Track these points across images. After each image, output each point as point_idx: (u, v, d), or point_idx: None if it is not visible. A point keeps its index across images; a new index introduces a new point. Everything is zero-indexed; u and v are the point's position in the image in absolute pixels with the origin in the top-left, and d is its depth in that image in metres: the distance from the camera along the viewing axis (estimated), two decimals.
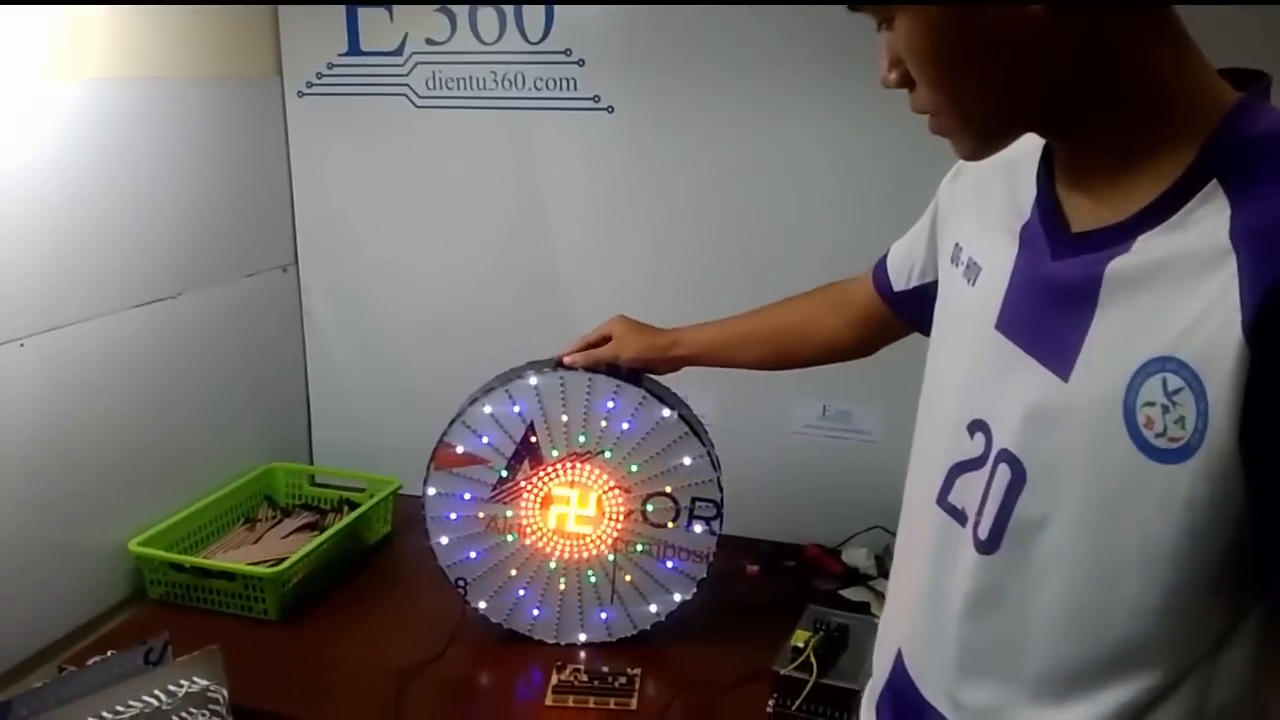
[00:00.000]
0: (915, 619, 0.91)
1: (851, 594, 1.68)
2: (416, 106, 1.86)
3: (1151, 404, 0.67)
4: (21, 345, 1.45)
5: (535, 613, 1.57)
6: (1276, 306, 0.61)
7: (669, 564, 1.54)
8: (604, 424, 1.50)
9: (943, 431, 0.86)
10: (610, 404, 1.49)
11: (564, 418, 1.51)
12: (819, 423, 1.79)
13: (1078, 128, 0.74)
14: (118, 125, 1.59)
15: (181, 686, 1.27)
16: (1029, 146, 0.81)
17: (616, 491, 1.53)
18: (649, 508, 1.53)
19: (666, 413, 1.48)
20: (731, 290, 1.70)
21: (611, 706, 1.40)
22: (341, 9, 1.84)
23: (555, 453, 1.52)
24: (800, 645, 1.42)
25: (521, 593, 1.56)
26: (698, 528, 1.52)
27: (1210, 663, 0.72)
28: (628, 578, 1.55)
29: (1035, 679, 0.79)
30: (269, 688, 1.43)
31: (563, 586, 1.56)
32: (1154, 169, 0.69)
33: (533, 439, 1.51)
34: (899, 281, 1.13)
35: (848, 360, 1.34)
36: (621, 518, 1.54)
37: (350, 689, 1.47)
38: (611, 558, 1.55)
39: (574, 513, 1.55)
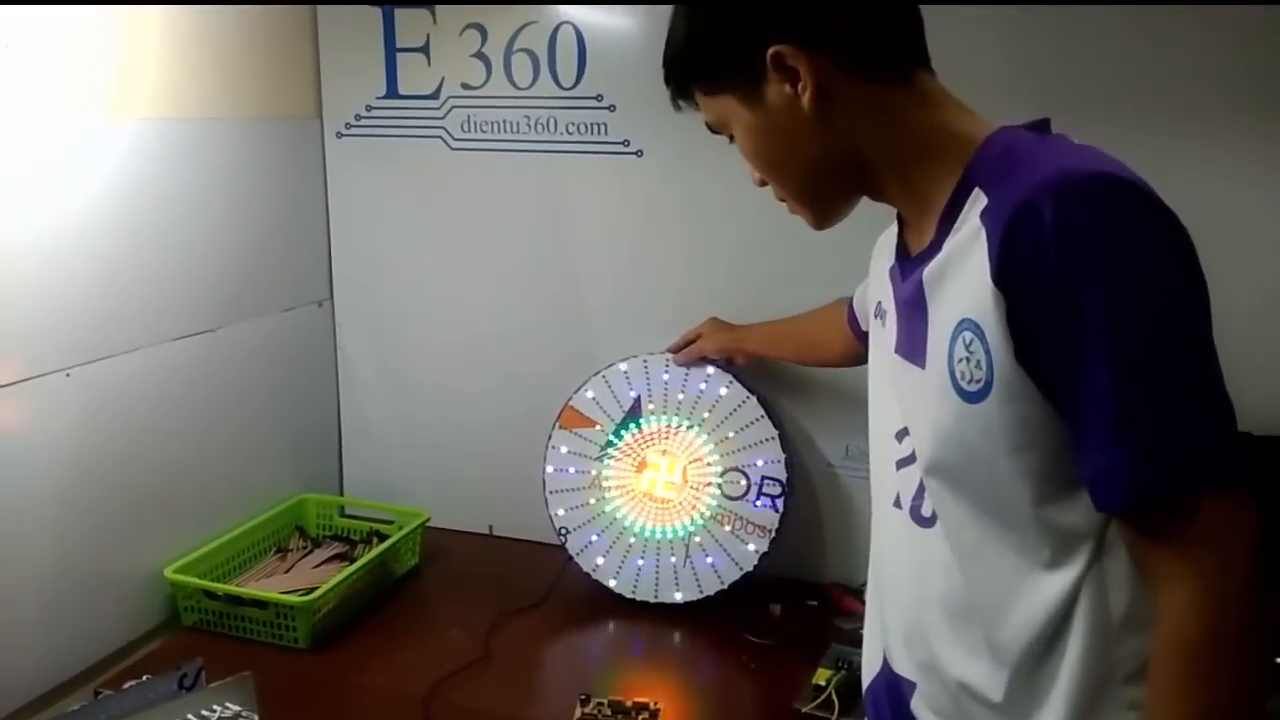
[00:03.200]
0: (890, 603, 1.06)
1: None
2: (452, 149, 1.93)
3: (961, 359, 0.86)
4: (68, 375, 1.48)
5: (619, 569, 1.76)
6: (1007, 257, 0.80)
7: (736, 534, 1.71)
8: (696, 402, 1.75)
9: (885, 442, 1.04)
10: (703, 385, 1.75)
11: (665, 394, 1.77)
12: (843, 462, 1.81)
13: (879, 185, 0.96)
14: (168, 163, 1.64)
15: (214, 712, 1.29)
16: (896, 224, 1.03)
17: (699, 463, 1.74)
18: (724, 481, 1.72)
19: (748, 396, 1.73)
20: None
21: None
22: (381, 54, 1.90)
23: (654, 424, 1.77)
24: (821, 684, 1.44)
25: (610, 548, 1.77)
26: (764, 504, 1.70)
27: (1096, 573, 0.86)
28: (699, 543, 1.73)
29: (948, 618, 0.95)
30: (299, 714, 1.46)
31: (645, 547, 1.76)
32: (940, 195, 0.90)
33: (638, 410, 1.77)
34: (862, 323, 1.34)
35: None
36: (701, 488, 1.74)
37: (380, 716, 1.49)
38: (689, 524, 1.73)
39: (663, 479, 1.76)
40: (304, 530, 1.95)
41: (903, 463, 1.00)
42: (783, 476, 1.71)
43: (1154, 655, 0.82)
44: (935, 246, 0.90)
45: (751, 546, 1.71)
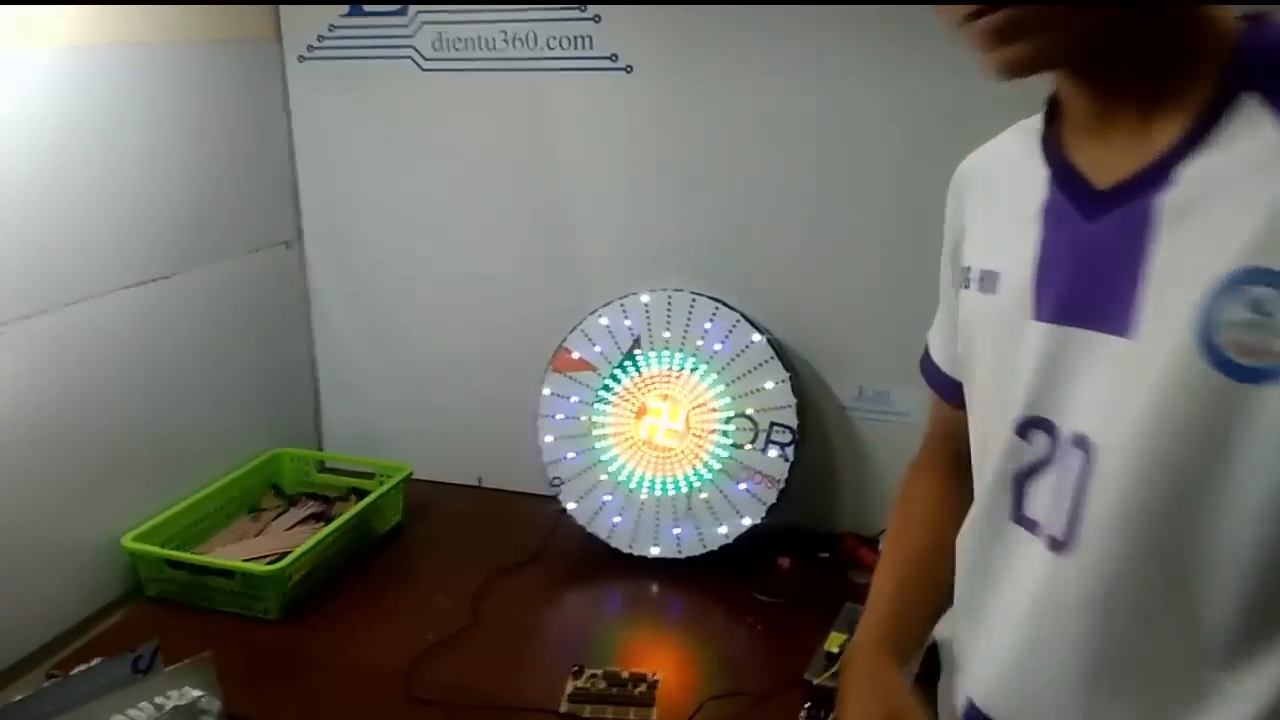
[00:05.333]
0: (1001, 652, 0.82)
1: None
2: (423, 70, 1.77)
3: (1237, 323, 0.64)
4: None
5: (616, 520, 1.63)
6: None
7: (742, 485, 1.59)
8: (700, 342, 1.61)
9: (997, 436, 0.81)
10: (708, 324, 1.61)
11: (666, 334, 1.63)
12: (855, 404, 1.67)
13: (1111, 67, 0.71)
14: (99, 96, 1.48)
15: (169, 699, 1.18)
16: (1012, 151, 0.83)
17: (703, 409, 1.62)
18: (730, 428, 1.60)
19: (756, 336, 1.60)
20: (756, 260, 1.60)
21: (631, 718, 1.29)
22: None
23: (655, 366, 1.64)
24: (835, 651, 1.31)
25: (607, 498, 1.64)
26: (773, 452, 1.58)
27: None
28: (703, 495, 1.61)
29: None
30: (269, 695, 1.34)
31: (644, 497, 1.63)
32: (1175, 104, 0.69)
33: (637, 351, 1.64)
34: (954, 373, 0.97)
35: None
36: (705, 434, 1.61)
37: (356, 694, 1.37)
38: (692, 474, 1.62)
39: (664, 425, 1.64)
40: (279, 488, 1.83)
41: (1037, 466, 0.78)
42: (794, 423, 1.58)
43: None
44: (1164, 171, 0.69)
45: (759, 498, 1.59)
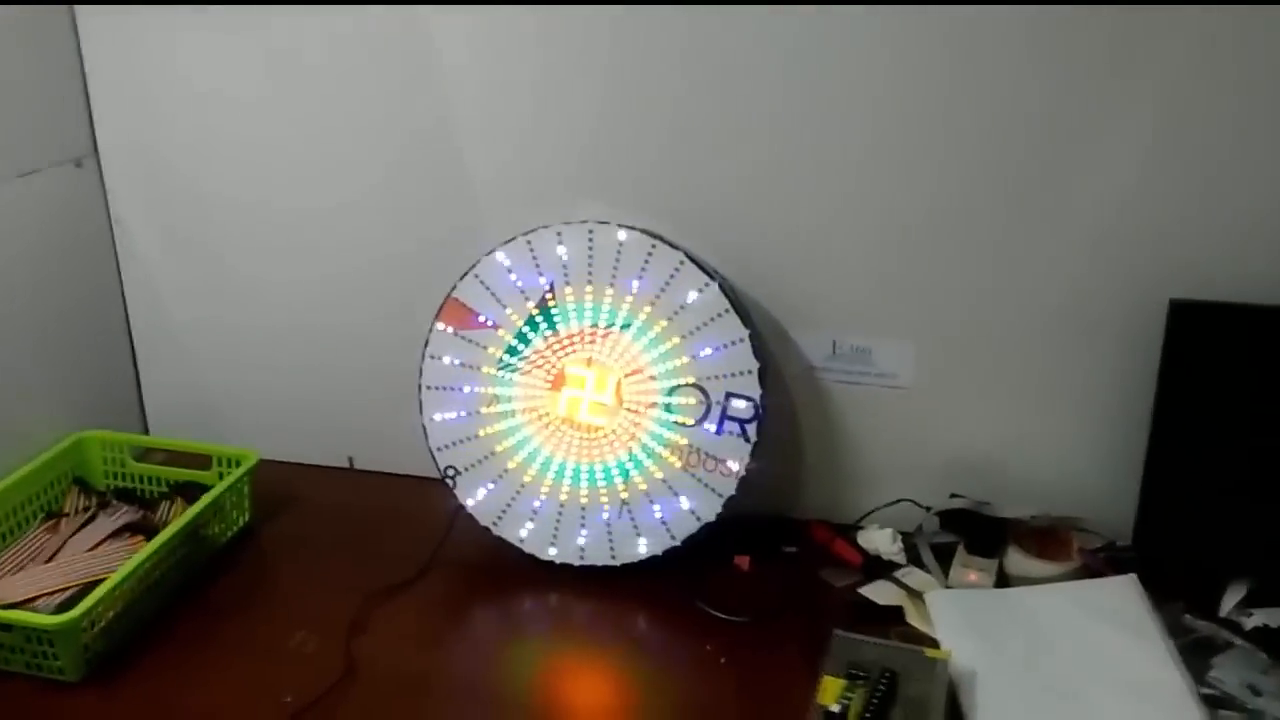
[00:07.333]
0: None
1: (876, 593, 1.25)
2: None
3: None
4: None
5: (530, 521, 1.33)
6: None
7: (691, 474, 1.28)
8: (633, 291, 1.28)
9: None
10: (643, 266, 1.27)
11: (588, 281, 1.28)
12: (828, 363, 1.35)
13: None
14: None
15: None
16: None
17: (638, 376, 1.29)
18: (674, 400, 1.28)
19: (706, 283, 1.26)
20: (704, 182, 1.33)
21: None
22: None
23: (574, 323, 1.30)
24: (835, 709, 0.99)
25: (517, 493, 1.33)
26: (730, 430, 1.26)
27: None
28: (641, 486, 1.30)
29: None
30: None
31: (565, 491, 1.32)
32: None
33: (551, 303, 1.29)
34: None
35: None
36: (641, 410, 1.29)
37: None
38: (626, 459, 1.30)
39: (589, 398, 1.32)
40: (85, 483, 1.43)
41: None
42: (755, 393, 1.25)
43: None
44: None
45: (714, 489, 1.26)
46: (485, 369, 1.32)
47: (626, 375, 1.29)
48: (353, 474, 1.56)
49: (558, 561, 1.30)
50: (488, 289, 1.30)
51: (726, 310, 1.24)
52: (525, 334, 1.30)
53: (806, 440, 1.39)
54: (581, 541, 1.30)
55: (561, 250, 1.28)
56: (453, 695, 1.13)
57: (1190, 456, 1.18)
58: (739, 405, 1.25)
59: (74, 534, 1.31)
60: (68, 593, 1.18)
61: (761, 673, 1.14)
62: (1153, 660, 1.08)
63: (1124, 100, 1.15)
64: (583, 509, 1.30)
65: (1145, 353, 1.20)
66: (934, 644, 1.13)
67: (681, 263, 1.25)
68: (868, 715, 0.98)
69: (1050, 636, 1.13)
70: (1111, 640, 1.11)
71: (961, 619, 1.16)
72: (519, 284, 1.29)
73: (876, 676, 1.03)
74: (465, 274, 1.31)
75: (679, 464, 1.27)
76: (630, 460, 1.29)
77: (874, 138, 1.23)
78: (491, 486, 1.32)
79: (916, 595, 1.24)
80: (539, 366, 1.31)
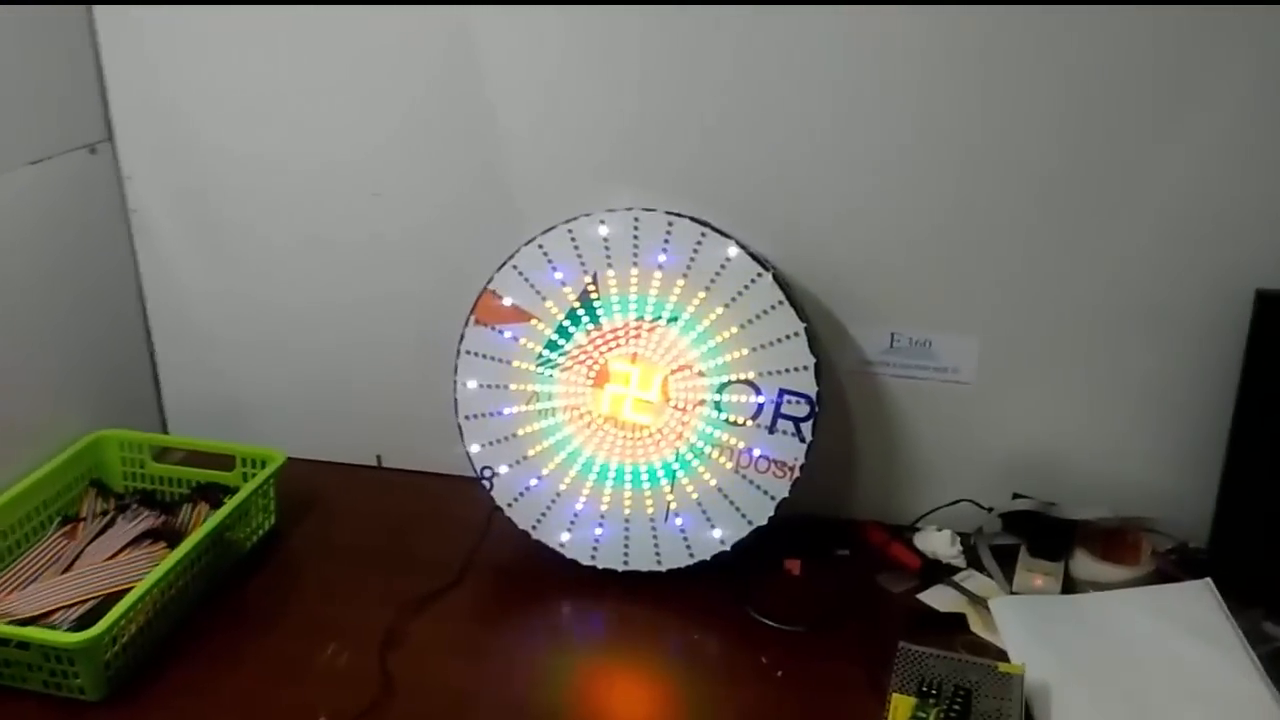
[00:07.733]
0: None
1: (936, 600, 1.20)
2: None
3: None
4: None
5: (571, 523, 1.27)
6: None
7: (742, 475, 1.21)
8: (681, 283, 1.21)
9: None
10: (692, 256, 1.20)
11: (634, 271, 1.21)
12: (886, 356, 1.29)
13: None
14: None
15: None
16: None
17: (686, 373, 1.23)
18: (724, 397, 1.21)
19: (759, 273, 1.19)
20: (754, 168, 1.26)
21: None
22: None
23: (618, 315, 1.23)
24: None
25: (557, 494, 1.27)
26: (784, 429, 1.20)
27: None
28: (689, 488, 1.24)
29: None
30: None
31: (608, 492, 1.26)
32: None
33: (593, 295, 1.22)
34: None
35: None
36: (689, 407, 1.23)
37: None
38: (672, 460, 1.25)
39: (633, 395, 1.26)
40: (104, 485, 1.36)
41: None
42: (811, 390, 1.18)
43: None
44: None
45: (767, 491, 1.19)
46: (523, 364, 1.25)
47: (673, 371, 1.23)
48: (381, 472, 1.50)
49: (600, 567, 1.24)
50: (526, 280, 1.23)
51: (781, 302, 1.17)
52: (566, 328, 1.23)
53: (860, 438, 1.33)
54: (625, 546, 1.23)
55: (605, 238, 1.21)
56: (499, 712, 1.06)
57: (1273, 455, 1.12)
58: (793, 402, 1.19)
59: (91, 540, 1.25)
60: (87, 605, 1.12)
61: (821, 686, 1.08)
62: (1236, 671, 1.02)
63: (1207, 81, 1.08)
64: (627, 512, 1.23)
65: (1223, 345, 1.14)
66: (1003, 655, 1.06)
67: (733, 252, 1.18)
68: None
69: (1125, 646, 1.07)
70: (1190, 650, 1.05)
71: (1030, 628, 1.10)
72: (559, 275, 1.23)
73: (950, 694, 0.97)
74: (503, 265, 1.24)
75: (729, 465, 1.21)
76: (677, 461, 1.23)
77: (939, 121, 1.16)
78: (531, 487, 1.25)
79: (979, 601, 1.17)
80: (580, 362, 1.24)
